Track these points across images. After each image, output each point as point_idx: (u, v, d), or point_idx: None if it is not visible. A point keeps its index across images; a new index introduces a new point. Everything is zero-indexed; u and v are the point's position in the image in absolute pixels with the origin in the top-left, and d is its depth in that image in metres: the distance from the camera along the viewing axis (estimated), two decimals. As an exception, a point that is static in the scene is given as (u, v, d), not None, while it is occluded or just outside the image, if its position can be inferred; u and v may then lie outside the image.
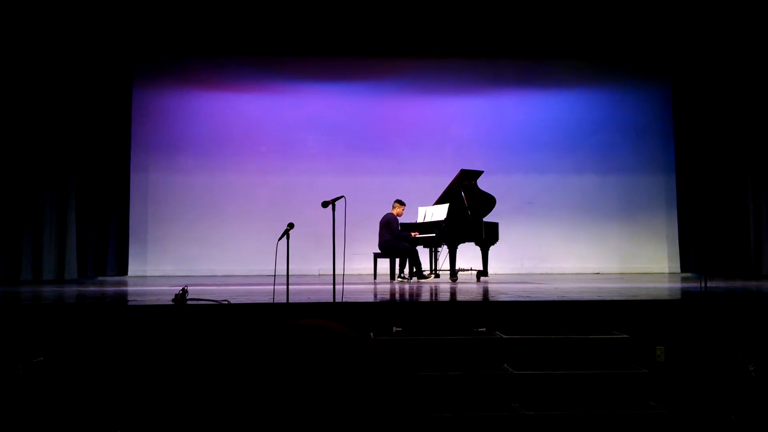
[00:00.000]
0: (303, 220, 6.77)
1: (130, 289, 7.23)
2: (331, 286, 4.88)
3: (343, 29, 9.81)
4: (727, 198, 9.78)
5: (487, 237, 8.30)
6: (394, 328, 4.43)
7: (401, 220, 8.54)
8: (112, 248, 10.10)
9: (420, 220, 8.55)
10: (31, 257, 8.63)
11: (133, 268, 10.41)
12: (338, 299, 4.74)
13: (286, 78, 11.01)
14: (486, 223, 8.29)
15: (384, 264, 8.59)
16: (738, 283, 7.34)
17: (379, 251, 8.46)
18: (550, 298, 4.97)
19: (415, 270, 8.27)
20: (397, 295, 5.84)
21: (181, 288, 4.74)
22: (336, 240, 4.91)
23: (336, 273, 4.90)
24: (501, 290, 6.34)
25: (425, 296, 5.76)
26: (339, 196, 5.21)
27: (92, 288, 7.27)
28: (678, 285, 7.40)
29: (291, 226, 4.92)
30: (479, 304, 4.90)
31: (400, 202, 8.56)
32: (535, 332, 4.42)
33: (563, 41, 10.33)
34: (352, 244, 6.14)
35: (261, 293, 5.65)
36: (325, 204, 5.17)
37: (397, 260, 8.45)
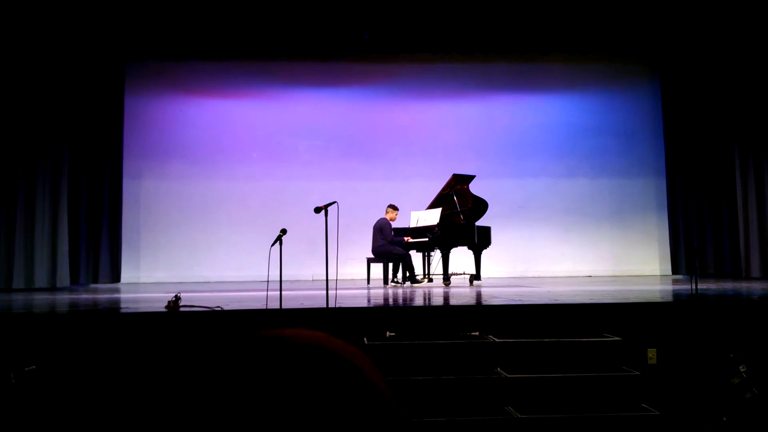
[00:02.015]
0: (296, 226, 6.78)
1: (122, 296, 7.21)
2: (325, 292, 4.89)
3: (334, 34, 9.83)
4: (717, 200, 9.87)
5: (479, 241, 8.33)
6: (388, 333, 4.44)
7: (394, 224, 8.56)
8: (104, 255, 10.05)
9: (413, 224, 8.57)
10: (23, 265, 8.59)
11: (126, 275, 10.35)
12: (332, 304, 4.74)
13: (277, 83, 11.03)
14: (478, 227, 8.32)
15: (377, 268, 8.60)
16: (728, 285, 7.40)
17: (372, 256, 8.47)
18: (543, 302, 5.00)
19: (408, 274, 8.28)
20: (391, 300, 5.85)
21: (174, 295, 4.73)
22: (329, 245, 4.92)
23: (329, 278, 4.90)
24: (494, 294, 6.37)
25: (418, 301, 5.78)
26: (332, 201, 5.21)
27: (85, 296, 7.24)
28: (669, 287, 7.45)
29: (284, 231, 4.93)
30: (472, 308, 4.92)
31: (393, 207, 8.58)
32: (527, 336, 4.44)
33: (554, 44, 10.38)
34: (345, 249, 6.15)
35: (254, 299, 5.65)
36: (317, 209, 5.17)
37: (391, 265, 8.47)
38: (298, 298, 5.76)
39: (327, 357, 0.56)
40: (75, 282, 9.40)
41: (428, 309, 5.02)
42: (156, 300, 5.69)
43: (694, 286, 5.50)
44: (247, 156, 10.91)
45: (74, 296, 7.11)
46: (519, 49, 10.81)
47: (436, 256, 8.50)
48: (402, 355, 4.21)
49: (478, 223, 8.44)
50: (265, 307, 4.70)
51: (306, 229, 7.99)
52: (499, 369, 4.19)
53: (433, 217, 8.27)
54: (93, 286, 9.64)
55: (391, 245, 8.29)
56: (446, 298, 5.98)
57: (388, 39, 10.06)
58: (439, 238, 8.09)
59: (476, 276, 8.50)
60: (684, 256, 10.52)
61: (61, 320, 4.50)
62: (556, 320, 4.59)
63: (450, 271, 8.16)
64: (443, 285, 8.02)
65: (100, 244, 10.00)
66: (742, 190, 9.35)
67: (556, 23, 9.78)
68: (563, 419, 3.86)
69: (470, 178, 8.65)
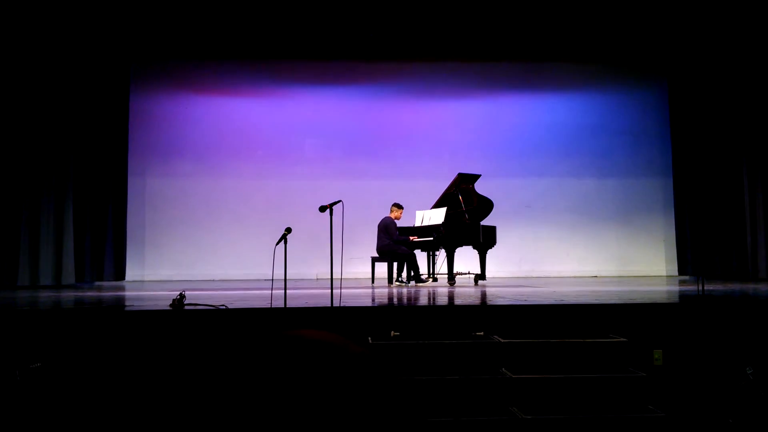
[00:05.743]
0: (301, 225, 6.79)
1: (127, 294, 7.22)
2: (329, 291, 4.87)
3: (340, 33, 9.82)
4: (723, 201, 9.80)
5: (484, 240, 8.30)
6: (392, 333, 4.43)
7: (399, 223, 8.54)
8: (109, 253, 10.08)
9: (418, 223, 8.55)
10: (29, 262, 8.62)
11: (131, 273, 10.39)
12: (336, 303, 4.73)
13: (283, 82, 11.02)
14: (484, 226, 8.29)
15: (382, 268, 8.59)
16: (735, 286, 7.35)
17: (377, 255, 8.46)
18: (548, 302, 4.97)
19: (413, 274, 8.26)
20: (395, 299, 5.84)
21: (178, 293, 4.73)
22: (334, 244, 4.91)
23: (334, 277, 4.89)
24: (499, 294, 6.34)
25: (423, 300, 5.76)
26: (336, 200, 5.20)
27: (89, 293, 7.25)
28: (676, 288, 7.40)
29: (288, 230, 4.93)
30: (477, 308, 4.89)
31: (398, 206, 8.56)
32: (533, 336, 4.42)
33: (560, 44, 10.35)
34: (350, 248, 6.14)
35: (258, 298, 5.65)
36: (322, 208, 5.16)
37: (395, 264, 8.45)
38: (302, 296, 5.75)
39: (352, 354, 0.56)
40: (80, 279, 9.43)
41: (433, 309, 5.00)
42: (160, 298, 5.69)
43: (700, 287, 5.47)
44: (252, 155, 10.91)
45: (79, 294, 7.12)
46: (527, 59, 10.81)
47: (441, 255, 8.48)
48: (407, 355, 4.19)
49: (484, 222, 8.41)
50: (269, 306, 4.69)
51: (311, 227, 7.99)
52: (504, 369, 4.17)
53: (438, 216, 8.25)
54: (98, 283, 9.67)
55: (395, 244, 8.27)
56: (451, 297, 5.96)
57: (393, 39, 10.04)
58: (444, 238, 8.07)
59: (481, 276, 8.47)
60: (691, 256, 10.47)
61: (66, 318, 4.50)
62: (562, 321, 4.57)
63: (455, 271, 8.13)
64: (448, 285, 8.00)
65: (105, 241, 10.03)
66: (749, 190, 9.29)
67: (565, 35, 9.78)
68: (568, 420, 3.84)
69: (475, 177, 8.63)
